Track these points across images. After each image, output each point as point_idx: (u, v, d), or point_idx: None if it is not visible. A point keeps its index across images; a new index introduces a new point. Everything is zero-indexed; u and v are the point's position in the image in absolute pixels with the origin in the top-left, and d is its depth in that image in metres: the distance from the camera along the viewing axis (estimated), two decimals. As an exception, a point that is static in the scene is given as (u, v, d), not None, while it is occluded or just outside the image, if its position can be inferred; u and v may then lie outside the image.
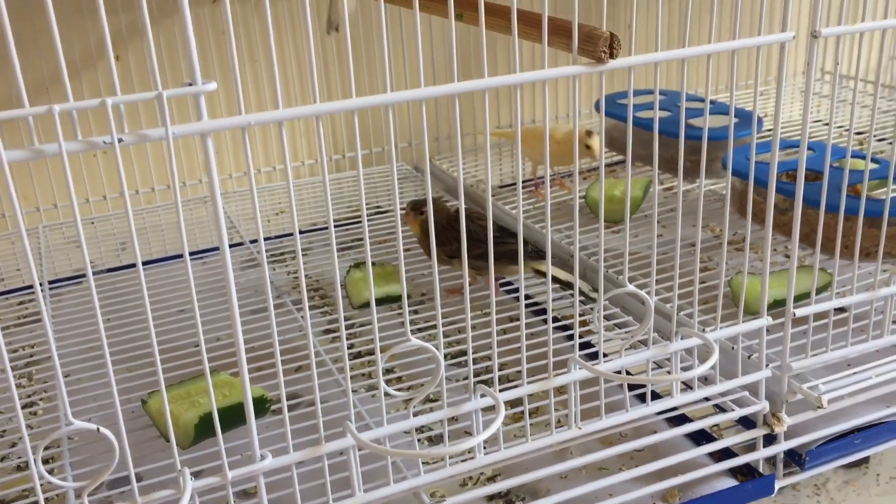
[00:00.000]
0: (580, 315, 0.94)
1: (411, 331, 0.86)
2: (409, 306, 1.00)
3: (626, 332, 0.89)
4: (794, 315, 0.72)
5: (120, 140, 0.50)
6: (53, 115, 0.48)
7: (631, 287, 0.66)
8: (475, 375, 0.85)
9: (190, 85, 0.51)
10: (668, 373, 0.74)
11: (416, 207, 0.99)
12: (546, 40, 0.60)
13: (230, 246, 1.25)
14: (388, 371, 0.88)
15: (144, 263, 1.15)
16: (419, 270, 1.07)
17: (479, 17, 0.60)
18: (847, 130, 0.77)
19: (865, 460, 0.87)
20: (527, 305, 0.97)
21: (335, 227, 1.24)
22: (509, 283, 1.04)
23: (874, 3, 1.35)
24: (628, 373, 0.83)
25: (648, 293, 0.67)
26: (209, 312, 0.95)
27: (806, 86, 0.67)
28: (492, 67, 1.37)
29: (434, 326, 0.92)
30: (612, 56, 0.60)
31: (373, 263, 1.06)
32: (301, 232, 1.24)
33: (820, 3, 0.65)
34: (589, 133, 1.14)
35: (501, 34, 0.64)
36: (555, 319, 0.95)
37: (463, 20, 0.73)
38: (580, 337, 0.88)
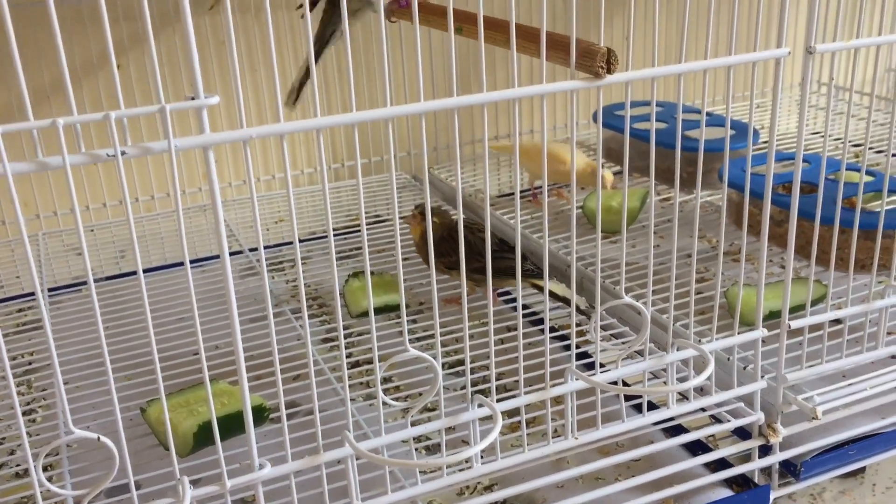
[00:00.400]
0: (577, 325, 0.94)
1: (410, 340, 0.87)
2: (407, 316, 1.00)
3: (622, 343, 0.90)
4: (790, 327, 0.72)
5: (123, 153, 0.50)
6: (57, 129, 0.48)
7: (628, 298, 0.67)
8: (473, 385, 0.85)
9: (193, 99, 0.52)
10: (665, 383, 0.75)
11: (424, 211, 1.00)
12: (544, 55, 0.61)
13: (230, 254, 1.25)
14: (386, 380, 0.89)
15: (144, 271, 1.16)
16: (418, 280, 1.08)
17: (479, 31, 0.61)
18: (845, 142, 0.78)
19: (862, 470, 0.87)
20: (525, 316, 0.98)
21: (335, 235, 1.24)
22: (508, 293, 1.05)
23: (869, 19, 1.36)
24: (625, 383, 0.83)
25: (645, 304, 0.67)
26: (208, 321, 0.96)
27: (801, 100, 0.68)
28: (491, 79, 1.38)
29: (433, 336, 0.92)
30: (609, 71, 0.61)
31: (371, 273, 1.06)
32: (301, 241, 1.25)
33: (815, 20, 0.66)
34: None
35: (501, 48, 0.65)
36: (553, 330, 0.95)
37: (462, 34, 0.74)
38: (578, 347, 0.88)
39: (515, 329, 0.89)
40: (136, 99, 1.24)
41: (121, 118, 0.50)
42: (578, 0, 0.66)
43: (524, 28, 0.63)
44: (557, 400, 0.80)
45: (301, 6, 0.98)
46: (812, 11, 0.66)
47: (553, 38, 0.62)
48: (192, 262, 1.16)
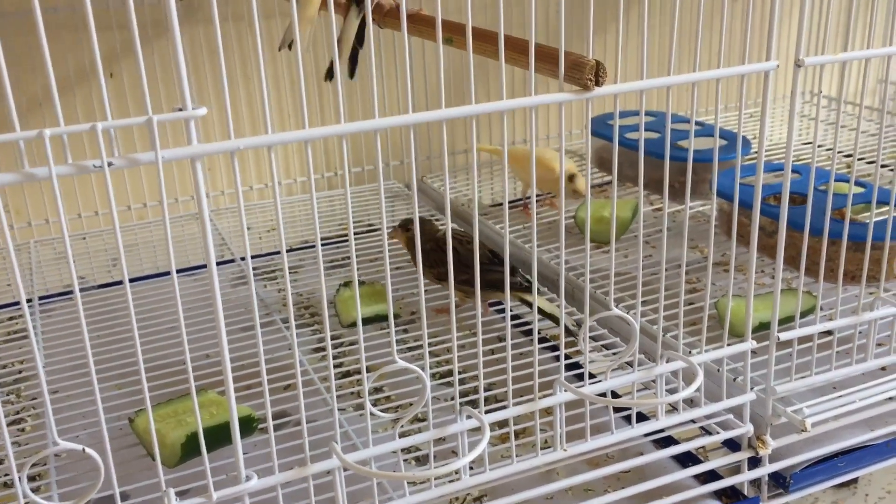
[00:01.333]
0: (568, 336, 0.94)
1: (401, 350, 0.86)
2: (398, 325, 1.00)
3: (612, 353, 0.90)
4: (779, 339, 0.72)
5: (110, 164, 0.50)
6: (44, 140, 0.48)
7: (616, 310, 0.67)
8: (465, 395, 0.85)
9: (181, 110, 0.52)
10: (655, 395, 0.75)
11: (404, 225, 1.00)
12: (533, 67, 0.61)
13: (221, 263, 1.25)
14: (376, 390, 0.89)
15: (136, 279, 1.16)
16: (409, 289, 1.08)
17: (467, 42, 0.61)
18: (836, 153, 0.78)
19: (854, 480, 0.87)
20: (517, 326, 0.98)
21: (328, 244, 1.24)
22: (499, 303, 1.05)
23: (862, 30, 1.36)
24: (614, 394, 0.83)
25: (635, 315, 0.67)
26: (199, 329, 0.95)
27: (790, 113, 0.68)
28: (485, 88, 1.38)
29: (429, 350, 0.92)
30: (597, 83, 0.61)
31: (362, 282, 1.06)
32: (293, 249, 1.25)
33: (804, 33, 0.67)
34: (572, 178, 1.17)
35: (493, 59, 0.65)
36: (544, 340, 0.95)
37: (453, 44, 0.74)
38: (568, 358, 0.88)
39: (506, 339, 0.89)
40: (129, 107, 1.24)
41: (108, 129, 0.50)
42: (572, 10, 0.66)
43: (514, 40, 0.63)
44: (547, 411, 0.80)
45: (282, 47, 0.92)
46: (801, 25, 0.66)
47: (542, 51, 0.62)
48: (184, 270, 1.17)
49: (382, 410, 0.85)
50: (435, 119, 0.58)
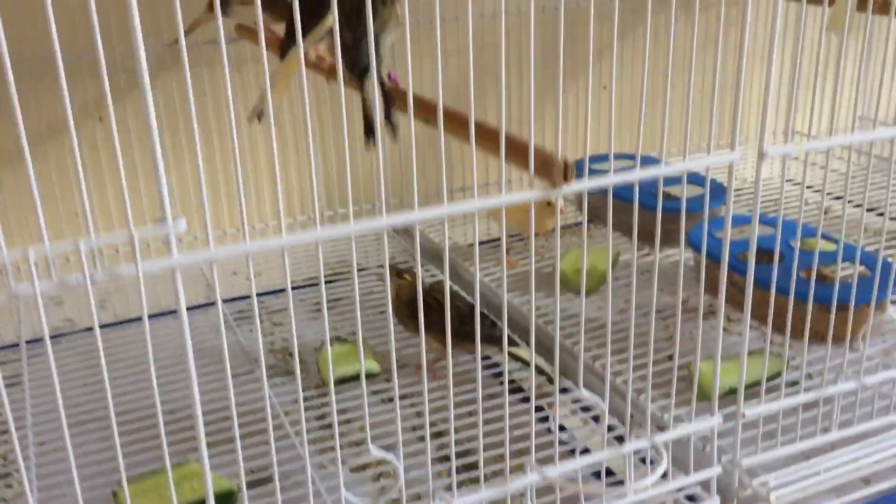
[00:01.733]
0: (547, 397, 0.96)
1: (382, 411, 0.87)
2: (380, 381, 1.01)
3: (591, 417, 0.92)
4: (744, 416, 0.75)
5: (91, 280, 0.52)
6: (28, 260, 0.50)
7: (585, 393, 0.69)
8: (444, 460, 0.87)
9: (161, 220, 0.54)
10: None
11: (398, 273, 1.02)
12: (503, 158, 0.63)
13: (204, 306, 1.24)
14: (357, 443, 0.90)
15: (125, 322, 1.17)
16: (396, 344, 1.09)
17: (438, 124, 0.63)
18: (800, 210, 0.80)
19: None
20: (504, 384, 0.99)
21: (312, 287, 1.26)
22: (488, 357, 1.06)
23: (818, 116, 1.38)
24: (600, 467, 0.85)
25: (615, 372, 0.69)
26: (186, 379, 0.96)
27: (754, 203, 0.71)
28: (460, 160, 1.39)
29: (410, 404, 0.94)
30: (566, 179, 0.63)
31: (345, 340, 1.07)
32: (276, 292, 1.25)
33: (767, 124, 0.69)
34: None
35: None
36: (528, 400, 0.96)
37: (430, 125, 0.76)
38: (547, 420, 0.90)
39: (494, 396, 0.91)
40: (117, 149, 1.25)
41: (91, 248, 0.52)
42: (542, 90, 0.68)
43: (485, 129, 0.65)
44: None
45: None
46: (765, 116, 0.69)
47: (512, 144, 0.64)
48: (172, 313, 1.17)
49: (363, 467, 0.87)
50: (407, 223, 0.60)
